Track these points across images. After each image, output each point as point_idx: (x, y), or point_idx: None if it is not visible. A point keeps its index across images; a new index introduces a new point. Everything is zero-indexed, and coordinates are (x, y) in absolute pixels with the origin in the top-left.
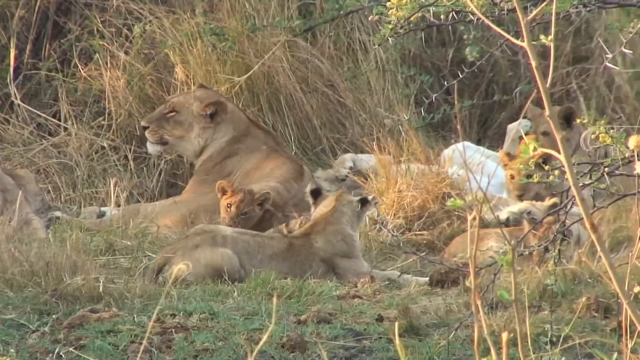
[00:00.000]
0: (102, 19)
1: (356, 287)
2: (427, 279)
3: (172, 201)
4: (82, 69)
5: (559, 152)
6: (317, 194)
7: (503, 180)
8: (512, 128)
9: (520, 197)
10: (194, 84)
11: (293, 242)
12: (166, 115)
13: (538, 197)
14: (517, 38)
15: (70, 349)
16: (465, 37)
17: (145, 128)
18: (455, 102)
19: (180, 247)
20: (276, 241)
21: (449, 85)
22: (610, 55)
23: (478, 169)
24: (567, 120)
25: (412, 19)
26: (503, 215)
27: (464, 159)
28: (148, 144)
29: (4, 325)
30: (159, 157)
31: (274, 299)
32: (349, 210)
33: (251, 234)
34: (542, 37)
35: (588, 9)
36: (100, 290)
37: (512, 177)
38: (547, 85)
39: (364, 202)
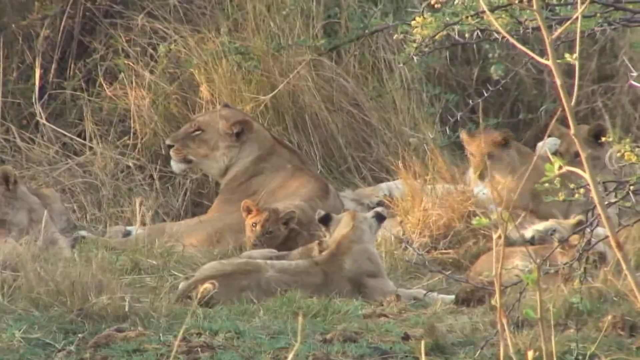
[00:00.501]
0: (127, 38)
1: (382, 305)
2: (453, 297)
3: (197, 220)
4: (107, 88)
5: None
6: (327, 220)
7: None
8: (540, 147)
9: (481, 178)
10: (219, 103)
11: (325, 269)
12: (191, 134)
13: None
14: (542, 56)
15: None
16: (490, 55)
17: (170, 147)
18: (481, 121)
19: (224, 285)
20: (312, 275)
21: (474, 104)
22: (635, 74)
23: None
24: (596, 138)
25: (436, 37)
26: (528, 233)
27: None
28: (172, 162)
29: (30, 344)
30: (184, 176)
31: (300, 318)
32: (367, 227)
33: (290, 272)
34: (567, 55)
35: (613, 27)
36: (126, 309)
37: (473, 155)
38: (572, 103)
39: (379, 217)
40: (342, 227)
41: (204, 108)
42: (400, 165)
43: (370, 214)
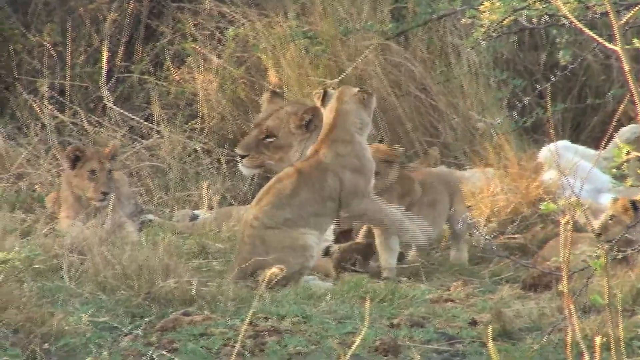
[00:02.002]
0: (194, 22)
1: (449, 290)
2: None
3: None
4: (175, 72)
5: None
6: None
7: (597, 185)
8: (624, 133)
9: None
10: (287, 87)
11: (301, 168)
12: (264, 141)
13: None
14: (610, 42)
15: (163, 352)
16: (557, 40)
17: (243, 156)
18: (548, 106)
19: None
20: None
21: (542, 89)
22: None
23: (572, 171)
24: None
25: (504, 22)
26: (597, 224)
27: (557, 162)
28: (243, 168)
29: (96, 328)
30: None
31: (367, 303)
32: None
33: None
34: (634, 40)
35: None
36: (193, 293)
37: None
38: None
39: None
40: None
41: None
42: (468, 150)
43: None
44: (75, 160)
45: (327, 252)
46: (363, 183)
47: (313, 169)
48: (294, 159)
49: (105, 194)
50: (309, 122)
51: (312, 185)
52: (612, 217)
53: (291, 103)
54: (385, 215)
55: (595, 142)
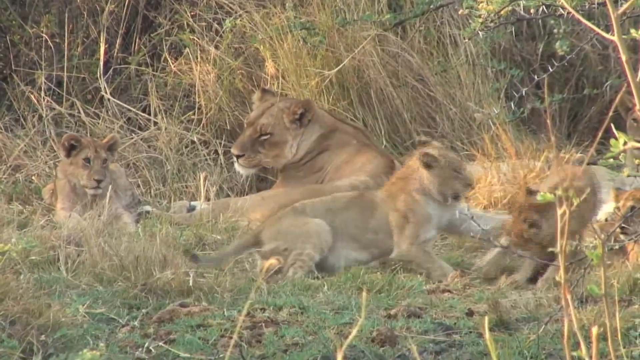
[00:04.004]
0: (192, 13)
1: (446, 281)
2: None
3: (261, 196)
4: (172, 63)
5: None
6: None
7: None
8: None
9: None
10: (284, 79)
11: None
12: (259, 139)
13: None
14: (608, 32)
15: (160, 343)
16: (555, 31)
17: (238, 156)
18: (546, 96)
19: None
20: None
21: (539, 79)
22: None
23: None
24: None
25: (502, 12)
26: (601, 217)
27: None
28: (240, 168)
29: (93, 319)
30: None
31: (364, 293)
32: None
33: None
34: (632, 30)
35: None
36: (190, 284)
37: None
38: (638, 79)
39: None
40: None
41: (268, 83)
42: (466, 140)
43: None
44: (71, 149)
45: None
46: None
47: None
48: (289, 155)
49: (98, 181)
50: (302, 115)
51: None
52: (632, 208)
53: (283, 99)
54: None
55: (592, 132)
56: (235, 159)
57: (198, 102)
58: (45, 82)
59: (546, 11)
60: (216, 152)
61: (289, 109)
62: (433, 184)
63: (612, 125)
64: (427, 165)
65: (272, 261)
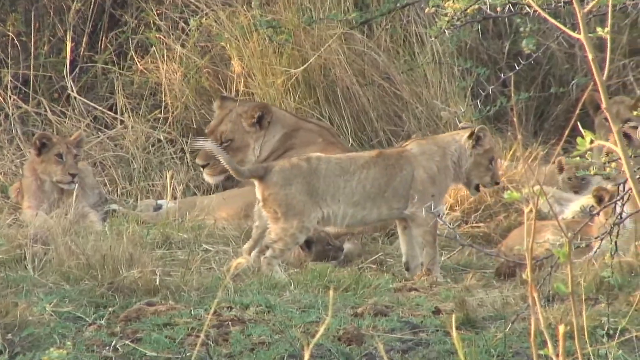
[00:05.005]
0: (158, 12)
1: (413, 280)
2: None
3: (228, 194)
4: (139, 61)
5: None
6: None
7: None
8: None
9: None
10: (250, 77)
11: None
12: (221, 147)
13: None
14: (574, 30)
15: (127, 341)
16: (521, 29)
17: (203, 165)
18: (512, 95)
19: None
20: None
21: (506, 78)
22: None
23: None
24: None
25: (468, 11)
26: (567, 215)
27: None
28: (207, 177)
29: (60, 318)
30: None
31: (331, 292)
32: None
33: None
34: (598, 29)
35: None
36: (157, 283)
37: (570, 179)
38: (604, 77)
39: None
40: None
41: (235, 82)
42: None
43: None
44: (42, 148)
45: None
46: None
47: None
48: (253, 158)
49: (73, 175)
50: (261, 118)
51: None
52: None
53: (241, 103)
54: None
55: (558, 130)
56: (201, 169)
57: (164, 101)
58: (11, 81)
59: (512, 9)
60: (182, 150)
61: (246, 112)
62: (468, 162)
63: (579, 123)
64: (477, 139)
65: (241, 260)
